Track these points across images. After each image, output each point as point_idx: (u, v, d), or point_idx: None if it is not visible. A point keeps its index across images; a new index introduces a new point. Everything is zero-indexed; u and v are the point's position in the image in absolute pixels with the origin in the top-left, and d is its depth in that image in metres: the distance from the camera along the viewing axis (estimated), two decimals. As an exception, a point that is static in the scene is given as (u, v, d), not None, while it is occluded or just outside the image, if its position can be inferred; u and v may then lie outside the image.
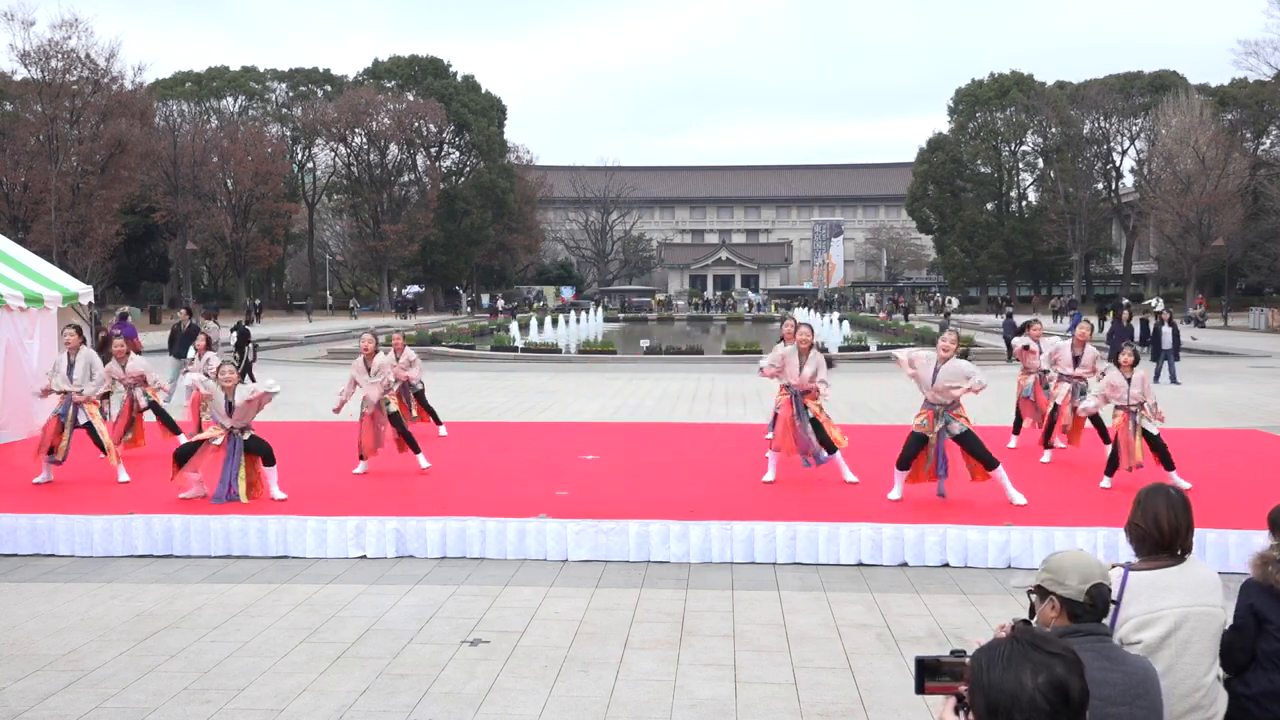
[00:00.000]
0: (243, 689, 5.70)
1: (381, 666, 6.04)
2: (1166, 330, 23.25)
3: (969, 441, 9.21)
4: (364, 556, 8.52)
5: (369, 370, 10.87)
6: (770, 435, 11.05)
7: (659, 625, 6.78)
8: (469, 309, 70.45)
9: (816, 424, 10.16)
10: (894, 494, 9.37)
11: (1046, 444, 11.83)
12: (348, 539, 8.58)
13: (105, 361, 11.56)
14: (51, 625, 6.83)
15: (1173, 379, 22.54)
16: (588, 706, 5.45)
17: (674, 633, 6.62)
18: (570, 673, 5.94)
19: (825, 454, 10.16)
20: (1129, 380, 9.99)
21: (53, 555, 8.68)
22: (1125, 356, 10.14)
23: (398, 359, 12.85)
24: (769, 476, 10.28)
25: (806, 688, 5.71)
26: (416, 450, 11.02)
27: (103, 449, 10.59)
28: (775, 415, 10.60)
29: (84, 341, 11.16)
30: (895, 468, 9.45)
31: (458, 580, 7.83)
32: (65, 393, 10.67)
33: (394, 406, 11.12)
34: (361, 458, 10.85)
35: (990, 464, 9.20)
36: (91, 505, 9.15)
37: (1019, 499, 9.08)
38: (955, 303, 73.26)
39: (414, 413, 13.51)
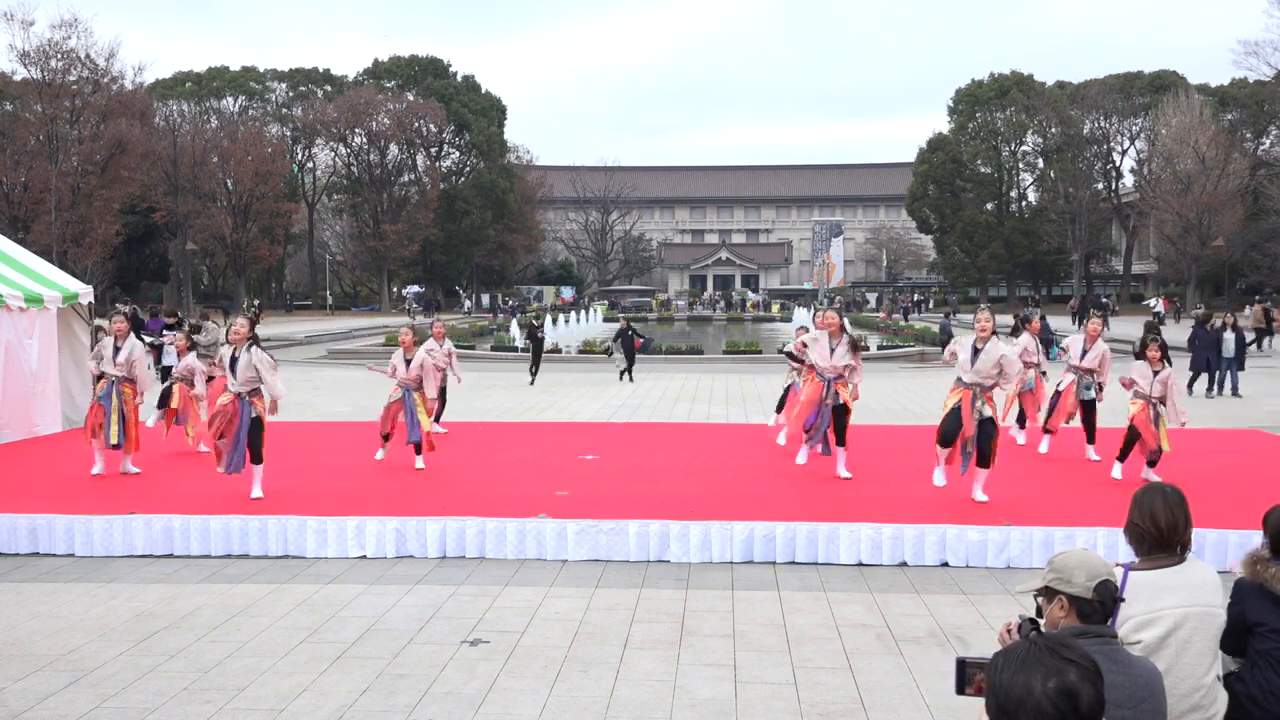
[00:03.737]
0: (243, 689, 5.70)
1: (381, 666, 6.04)
2: (1229, 336, 20.85)
3: (985, 430, 9.19)
4: (364, 556, 8.52)
5: (407, 363, 11.16)
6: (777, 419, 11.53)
7: (659, 625, 6.78)
8: (505, 309, 69.28)
9: (842, 410, 10.32)
10: (940, 479, 9.40)
11: (1046, 429, 12.05)
12: (348, 539, 8.59)
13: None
14: (51, 625, 6.83)
15: (1234, 390, 20.32)
16: (588, 706, 5.45)
17: (674, 633, 6.62)
18: (570, 673, 5.93)
19: (830, 447, 10.30)
20: (1155, 374, 10.17)
21: (52, 555, 8.68)
22: (1152, 351, 10.31)
23: (440, 346, 13.53)
24: (802, 459, 10.72)
25: (806, 688, 5.71)
26: (419, 450, 11.10)
27: (122, 438, 10.72)
28: (791, 395, 10.93)
29: (133, 329, 11.47)
30: (937, 445, 9.42)
31: (458, 580, 7.83)
32: (106, 377, 10.84)
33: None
34: (385, 438, 11.22)
35: (987, 461, 9.20)
36: (91, 505, 9.14)
37: (982, 497, 9.18)
38: (932, 303, 73.52)
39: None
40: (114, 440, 10.64)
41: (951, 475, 9.58)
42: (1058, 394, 11.89)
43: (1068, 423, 11.94)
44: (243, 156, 64.69)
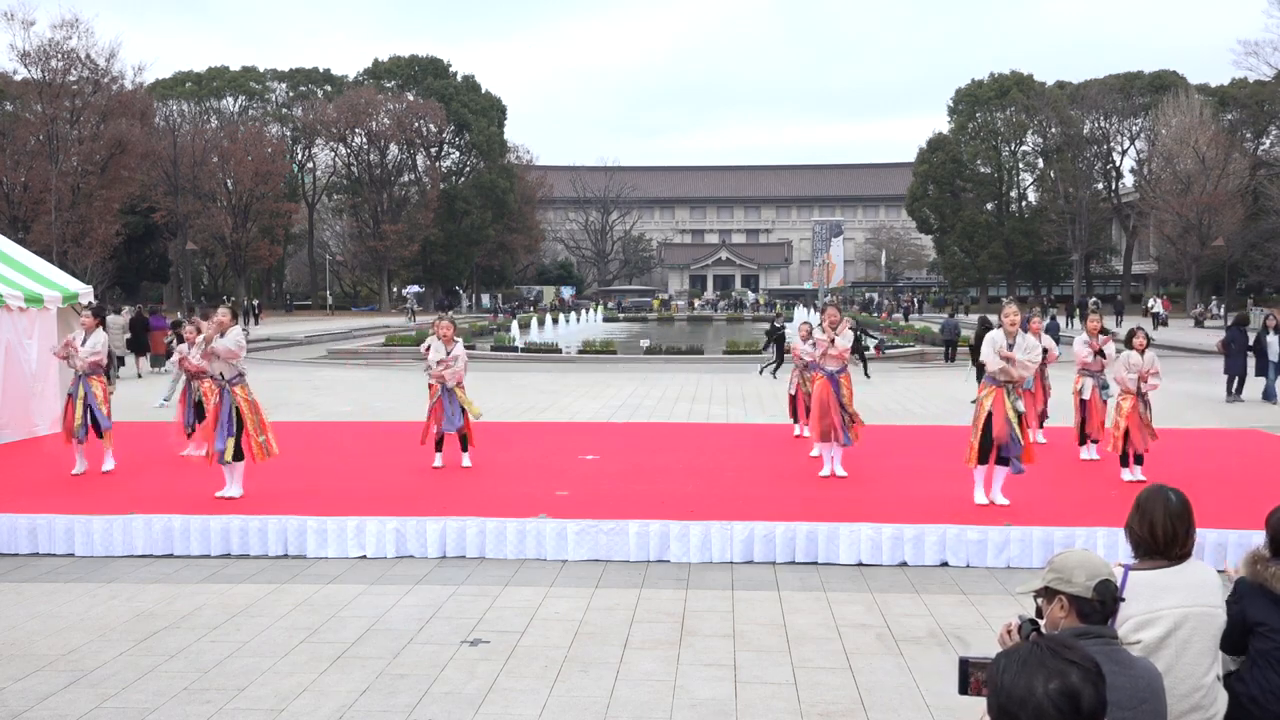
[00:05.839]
0: (243, 689, 5.70)
1: (381, 666, 6.04)
2: (1273, 339, 19.51)
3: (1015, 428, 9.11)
4: (364, 556, 8.52)
5: (446, 353, 11.20)
6: (800, 433, 11.43)
7: (659, 625, 6.77)
8: (505, 309, 68.96)
9: (840, 405, 10.33)
10: (981, 497, 9.10)
11: (1082, 440, 11.83)
12: (348, 539, 8.59)
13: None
14: (51, 625, 6.83)
15: (1271, 396, 19.25)
16: (588, 706, 5.45)
17: (674, 633, 6.62)
18: (570, 673, 5.93)
19: (847, 439, 10.36)
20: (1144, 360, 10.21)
21: (52, 555, 8.68)
22: (1139, 340, 10.33)
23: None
24: (826, 471, 10.49)
25: (806, 688, 5.71)
26: (464, 448, 11.29)
27: (98, 431, 11.00)
28: (801, 405, 10.77)
29: (102, 325, 11.66)
30: (978, 464, 9.12)
31: (458, 580, 7.83)
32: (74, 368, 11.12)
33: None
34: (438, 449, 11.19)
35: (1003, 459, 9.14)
36: (91, 505, 9.14)
37: (981, 499, 9.08)
38: (923, 303, 73.67)
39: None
40: (81, 436, 10.84)
41: (956, 475, 9.52)
42: (1083, 402, 11.71)
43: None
44: (243, 156, 64.69)
